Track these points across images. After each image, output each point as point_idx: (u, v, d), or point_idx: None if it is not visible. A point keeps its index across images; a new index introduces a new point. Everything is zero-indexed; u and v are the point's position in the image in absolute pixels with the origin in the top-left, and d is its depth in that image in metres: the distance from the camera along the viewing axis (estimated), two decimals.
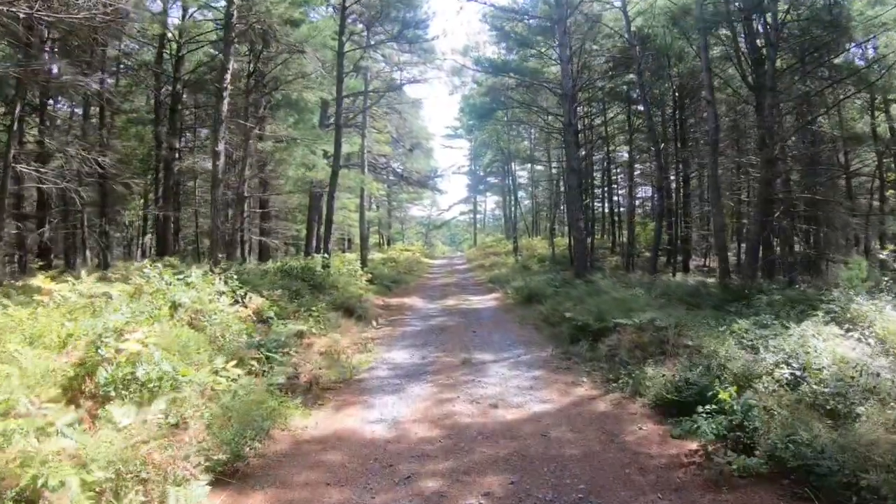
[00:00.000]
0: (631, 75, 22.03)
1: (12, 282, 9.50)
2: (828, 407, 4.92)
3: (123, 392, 4.86)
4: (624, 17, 19.30)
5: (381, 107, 24.43)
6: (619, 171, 31.85)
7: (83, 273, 7.86)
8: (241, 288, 9.13)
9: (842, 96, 16.57)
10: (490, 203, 64.29)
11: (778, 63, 15.95)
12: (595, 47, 22.42)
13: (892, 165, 19.77)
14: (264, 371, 6.38)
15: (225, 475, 4.17)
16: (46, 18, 7.87)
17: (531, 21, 20.63)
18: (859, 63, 17.27)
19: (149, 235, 25.70)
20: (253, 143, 20.11)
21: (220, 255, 10.52)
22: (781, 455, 4.23)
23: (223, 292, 8.45)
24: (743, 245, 24.49)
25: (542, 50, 21.41)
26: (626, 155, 32.18)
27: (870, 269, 9.36)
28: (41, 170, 12.60)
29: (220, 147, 10.47)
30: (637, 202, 33.80)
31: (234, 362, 5.43)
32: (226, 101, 10.66)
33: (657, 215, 20.24)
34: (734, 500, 3.84)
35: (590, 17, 19.51)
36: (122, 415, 3.88)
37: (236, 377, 5.28)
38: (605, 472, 4.33)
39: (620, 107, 28.70)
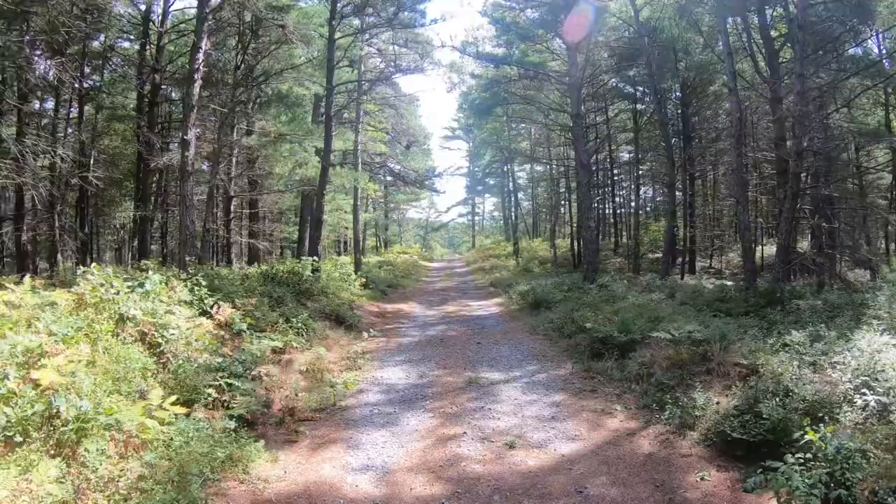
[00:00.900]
0: (637, 69, 20.98)
1: None
2: None
3: (35, 435, 3.71)
4: (631, 6, 18.14)
5: (376, 102, 23.18)
6: (620, 171, 30.74)
7: (27, 279, 6.67)
8: (210, 296, 7.91)
9: (858, 89, 15.51)
10: (488, 205, 63.22)
11: (789, 54, 15.02)
12: (600, 38, 21.28)
13: None
14: (225, 402, 5.17)
15: None
16: None
17: (534, 14, 19.45)
18: (873, 56, 16.25)
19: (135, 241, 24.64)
20: (239, 139, 18.95)
21: (190, 258, 9.27)
22: None
23: (188, 302, 7.24)
24: (760, 242, 23.41)
25: (545, 45, 20.25)
26: (627, 155, 31.20)
27: None
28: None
29: (191, 136, 9.26)
30: (641, 200, 32.82)
31: (173, 398, 4.20)
32: (197, 85, 9.46)
33: (669, 214, 19.06)
34: None
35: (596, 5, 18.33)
36: None
37: (174, 418, 4.04)
38: None
39: (625, 104, 27.69)
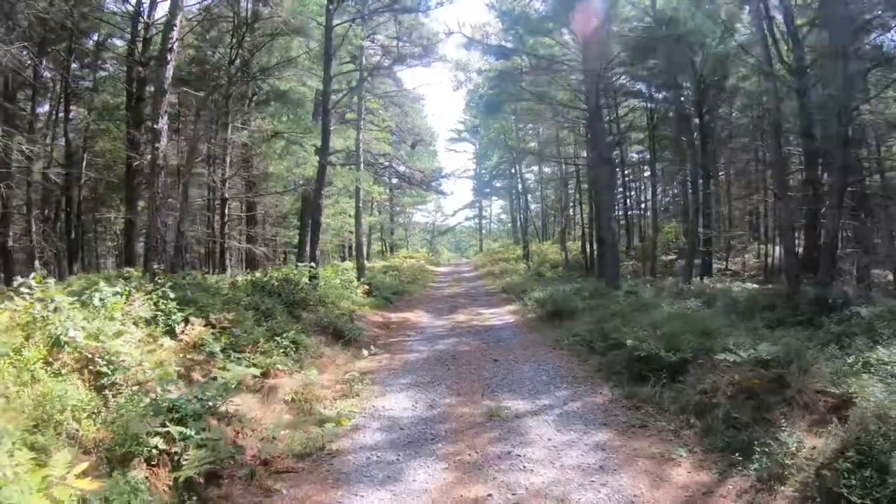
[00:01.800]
0: (654, 60, 19.75)
1: None
2: None
3: None
4: None
5: (378, 97, 22.07)
6: (630, 171, 29.52)
7: None
8: (181, 310, 6.73)
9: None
10: (496, 208, 62.04)
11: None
12: (614, 29, 20.07)
13: None
14: (175, 456, 3.98)
15: None
16: None
17: (543, 6, 18.21)
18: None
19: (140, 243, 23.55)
20: (233, 137, 17.86)
21: (159, 266, 8.09)
22: None
23: (150, 319, 6.06)
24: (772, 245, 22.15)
25: (556, 39, 19.01)
26: (636, 155, 29.90)
27: None
28: None
29: (162, 124, 8.10)
30: (650, 201, 31.46)
31: (84, 465, 3.00)
32: (171, 67, 8.29)
33: (693, 213, 17.78)
34: None
35: None
36: None
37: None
38: None
39: (636, 101, 26.46)
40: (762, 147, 22.99)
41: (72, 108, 19.59)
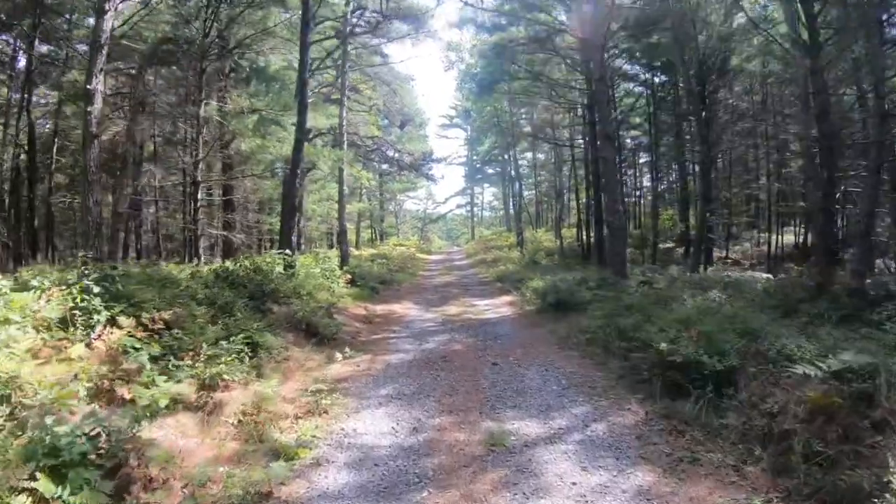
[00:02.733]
0: (658, 35, 18.47)
1: None
2: None
3: None
4: None
5: (365, 76, 20.66)
6: (625, 157, 28.27)
7: None
8: (108, 308, 5.44)
9: None
10: (487, 195, 60.95)
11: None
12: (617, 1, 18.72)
13: None
14: None
15: None
16: None
17: None
18: None
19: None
20: (204, 113, 16.43)
21: (86, 254, 6.75)
22: None
23: (62, 320, 4.76)
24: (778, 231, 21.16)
25: (553, 16, 17.65)
26: (629, 141, 28.59)
27: None
28: None
29: (96, 84, 6.76)
30: (645, 189, 30.28)
31: None
32: (108, 18, 6.93)
33: (702, 197, 16.58)
34: None
35: None
36: None
37: None
38: None
39: (635, 83, 25.25)
40: (771, 127, 21.92)
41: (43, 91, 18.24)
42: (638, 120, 25.54)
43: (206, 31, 16.68)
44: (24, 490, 2.86)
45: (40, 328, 4.60)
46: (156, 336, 5.72)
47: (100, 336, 4.86)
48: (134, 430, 3.77)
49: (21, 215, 16.10)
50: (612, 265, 12.38)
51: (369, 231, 42.90)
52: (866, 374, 4.28)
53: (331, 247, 30.03)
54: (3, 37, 16.24)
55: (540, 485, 3.62)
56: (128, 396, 4.51)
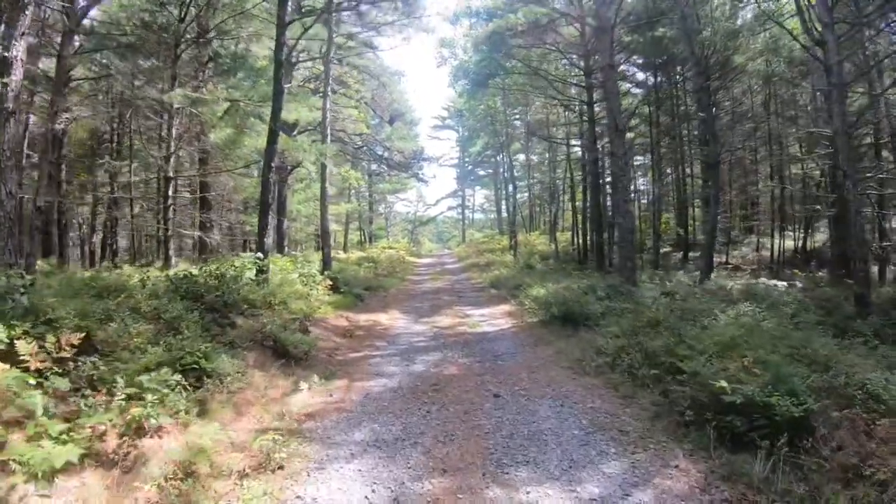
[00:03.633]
0: (664, 28, 17.42)
1: None
2: None
3: None
4: None
5: (352, 67, 19.42)
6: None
7: None
8: (11, 327, 4.19)
9: None
10: (479, 197, 59.77)
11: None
12: None
13: None
14: None
15: None
16: None
17: None
18: None
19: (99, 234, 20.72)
20: (181, 108, 15.12)
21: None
22: None
23: None
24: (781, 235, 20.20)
25: (553, 8, 16.50)
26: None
27: None
28: None
29: (16, 52, 5.48)
30: (639, 191, 29.18)
31: None
32: None
33: (713, 198, 15.45)
34: None
35: None
36: None
37: None
38: None
39: (633, 84, 24.23)
40: (775, 128, 20.97)
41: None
42: (634, 122, 24.45)
43: (182, 14, 15.44)
44: None
45: None
46: (68, 365, 4.46)
47: None
48: None
49: None
50: (621, 272, 11.21)
51: (358, 233, 41.57)
52: None
53: (318, 249, 28.70)
54: None
55: None
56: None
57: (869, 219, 14.63)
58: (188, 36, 15.94)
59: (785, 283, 12.06)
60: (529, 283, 13.53)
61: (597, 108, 21.75)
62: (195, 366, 5.37)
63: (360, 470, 3.95)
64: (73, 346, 4.37)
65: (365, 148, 23.13)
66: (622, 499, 3.46)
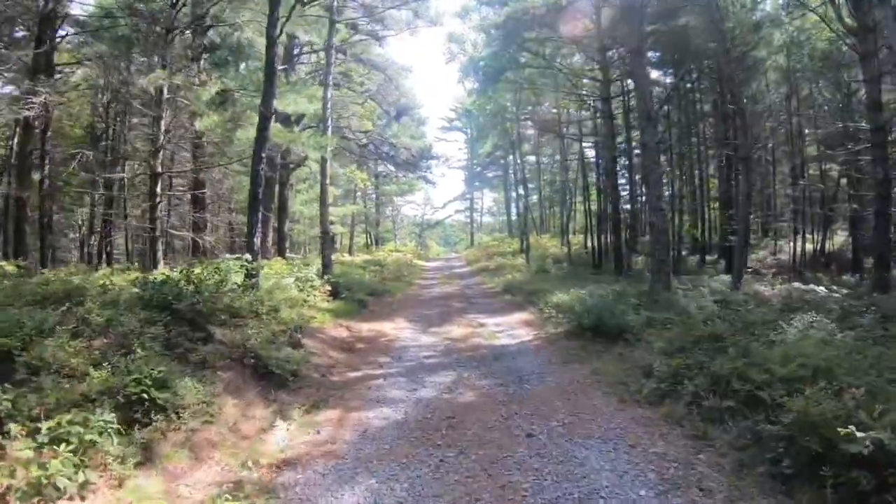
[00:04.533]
0: (685, 18, 16.22)
1: None
2: None
3: None
4: None
5: (357, 60, 18.30)
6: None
7: None
8: None
9: None
10: (487, 200, 58.62)
11: None
12: None
13: None
14: None
15: None
16: None
17: None
18: None
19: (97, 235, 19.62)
20: (171, 98, 14.08)
21: None
22: None
23: None
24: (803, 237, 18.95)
25: None
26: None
27: None
28: None
29: None
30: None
31: None
32: None
33: (744, 196, 14.16)
34: None
35: None
36: None
37: None
38: None
39: (656, 74, 22.98)
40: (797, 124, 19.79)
41: None
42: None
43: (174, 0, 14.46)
44: None
45: None
46: None
47: None
48: None
49: None
50: (654, 276, 9.97)
51: (364, 236, 40.45)
52: None
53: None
54: None
55: None
56: None
57: None
58: (181, 22, 14.97)
59: (823, 289, 10.81)
60: (547, 289, 12.33)
61: (614, 105, 20.61)
62: (145, 395, 4.21)
63: None
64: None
65: (371, 146, 21.99)
66: None
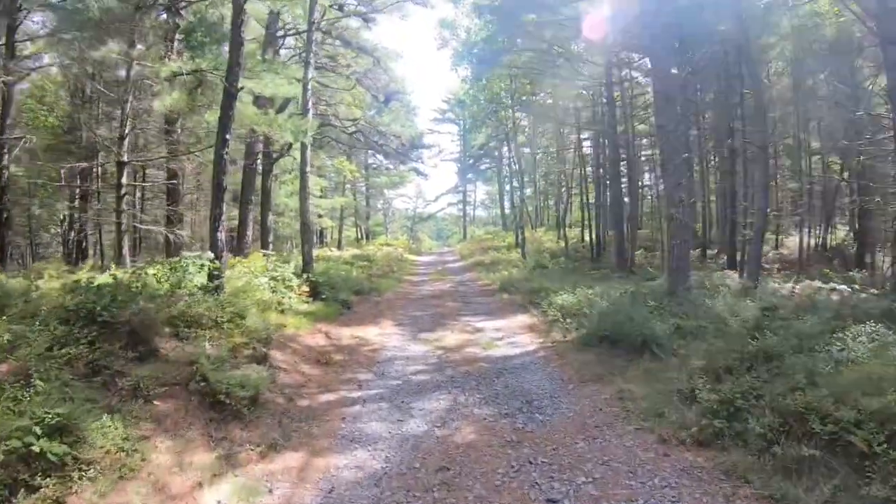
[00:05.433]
0: None
1: None
2: None
3: None
4: None
5: (342, 40, 17.10)
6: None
7: None
8: None
9: None
10: (480, 193, 57.52)
11: None
12: None
13: None
14: None
15: None
16: None
17: None
18: None
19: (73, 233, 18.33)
20: (137, 81, 12.87)
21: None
22: None
23: None
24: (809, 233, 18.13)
25: None
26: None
27: None
28: None
29: None
30: (646, 186, 26.83)
31: None
32: None
33: (761, 189, 13.12)
34: None
35: None
36: None
37: None
38: None
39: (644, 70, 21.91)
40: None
41: None
42: (643, 113, 22.10)
43: None
44: None
45: None
46: None
47: None
48: None
49: None
50: (674, 275, 8.89)
51: (354, 230, 39.19)
52: None
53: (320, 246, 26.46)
54: None
55: None
56: None
57: None
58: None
59: (846, 288, 9.79)
60: (548, 286, 11.26)
61: (616, 91, 19.59)
62: (34, 449, 3.09)
63: None
64: None
65: (359, 135, 20.78)
66: None
